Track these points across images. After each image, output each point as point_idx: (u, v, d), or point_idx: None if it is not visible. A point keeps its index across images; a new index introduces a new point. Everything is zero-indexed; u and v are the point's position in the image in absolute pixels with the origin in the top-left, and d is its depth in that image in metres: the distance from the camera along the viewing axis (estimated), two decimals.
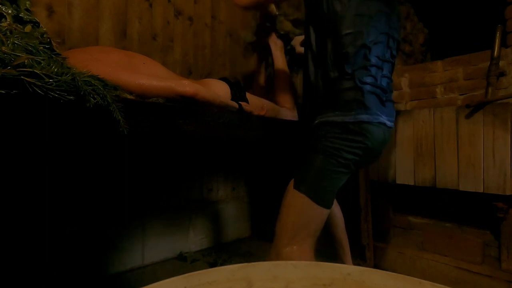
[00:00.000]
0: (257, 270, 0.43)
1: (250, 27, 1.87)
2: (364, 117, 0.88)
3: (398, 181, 1.55)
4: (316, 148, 0.91)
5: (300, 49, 1.51)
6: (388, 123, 0.94)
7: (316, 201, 0.88)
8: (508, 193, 1.23)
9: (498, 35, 1.40)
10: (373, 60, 0.90)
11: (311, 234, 0.90)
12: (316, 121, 0.95)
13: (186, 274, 0.39)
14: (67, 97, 0.58)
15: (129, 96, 0.84)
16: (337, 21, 0.89)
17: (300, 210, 0.89)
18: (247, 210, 1.99)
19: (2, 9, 0.77)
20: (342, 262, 1.22)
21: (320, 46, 0.95)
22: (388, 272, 0.41)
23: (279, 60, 1.56)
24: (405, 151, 1.52)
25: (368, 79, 0.89)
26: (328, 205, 0.91)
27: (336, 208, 1.23)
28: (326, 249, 1.14)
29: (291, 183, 0.94)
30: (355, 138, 0.88)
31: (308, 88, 1.00)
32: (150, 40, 1.48)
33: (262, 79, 1.73)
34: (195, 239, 1.68)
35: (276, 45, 1.57)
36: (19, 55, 0.54)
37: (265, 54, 1.72)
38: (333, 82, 0.91)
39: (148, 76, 0.93)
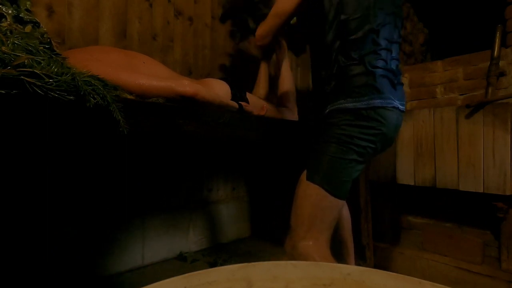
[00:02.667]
0: (257, 270, 0.43)
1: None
2: (377, 102, 0.85)
3: (398, 181, 1.55)
4: (329, 137, 0.89)
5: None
6: (401, 107, 0.92)
7: (331, 192, 0.86)
8: (508, 193, 1.23)
9: (498, 35, 1.40)
10: (383, 43, 0.87)
11: (327, 226, 0.88)
12: (327, 110, 0.92)
13: (186, 274, 0.39)
14: (67, 97, 0.58)
15: (129, 96, 0.84)
16: (341, 6, 0.87)
17: (315, 202, 0.87)
18: (247, 210, 1.98)
19: (2, 9, 0.77)
20: (345, 262, 1.22)
21: (324, 35, 0.92)
22: (388, 272, 0.41)
23: (283, 61, 1.56)
24: (405, 151, 1.52)
25: (379, 63, 0.87)
26: (343, 196, 0.89)
27: (344, 209, 1.21)
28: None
29: (303, 174, 0.91)
30: (369, 124, 0.86)
31: (316, 78, 0.99)
32: (150, 40, 1.48)
33: (264, 78, 1.73)
34: (195, 239, 1.68)
35: (281, 45, 1.57)
36: (19, 55, 0.54)
37: (266, 54, 1.72)
38: (341, 69, 0.88)
39: (148, 76, 0.93)
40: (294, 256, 0.87)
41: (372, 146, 0.88)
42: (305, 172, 0.92)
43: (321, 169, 0.88)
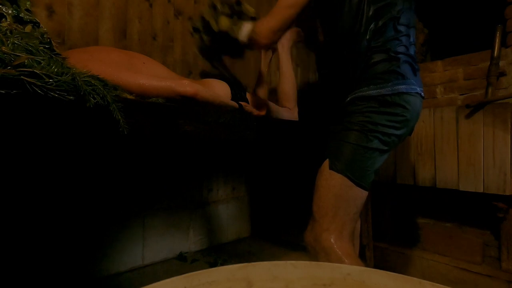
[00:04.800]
0: (257, 270, 0.43)
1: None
2: (402, 87, 0.84)
3: (398, 181, 1.55)
4: (351, 125, 0.86)
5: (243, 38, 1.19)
6: (422, 93, 0.91)
7: (355, 180, 0.83)
8: (508, 193, 1.23)
9: (498, 35, 1.40)
10: (403, 29, 0.87)
11: (351, 218, 0.85)
12: (348, 99, 0.90)
13: (186, 274, 0.39)
14: (67, 97, 0.58)
15: (129, 96, 0.84)
16: None
17: (338, 191, 0.84)
18: (247, 210, 1.99)
19: (2, 9, 0.77)
20: None
21: (342, 27, 0.90)
22: (388, 272, 0.41)
23: (285, 60, 1.57)
24: (405, 151, 1.52)
25: (401, 49, 0.86)
26: (367, 186, 0.86)
27: None
28: None
29: (325, 164, 0.88)
30: (394, 110, 0.84)
31: (332, 70, 0.96)
32: (150, 40, 1.48)
33: (262, 79, 1.73)
34: (195, 239, 1.68)
35: (283, 47, 1.58)
36: (19, 55, 0.54)
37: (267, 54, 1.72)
38: (363, 57, 0.87)
39: (148, 76, 0.93)
40: (316, 248, 0.84)
41: (396, 134, 0.86)
42: (325, 162, 0.88)
43: (344, 157, 0.85)
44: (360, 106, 0.86)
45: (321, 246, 0.82)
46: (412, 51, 0.89)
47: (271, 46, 1.13)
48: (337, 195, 0.84)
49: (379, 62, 0.85)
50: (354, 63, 0.88)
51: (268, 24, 0.98)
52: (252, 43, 1.05)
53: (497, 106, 1.27)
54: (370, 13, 0.85)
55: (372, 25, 0.85)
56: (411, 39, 0.90)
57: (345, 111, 0.91)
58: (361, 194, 0.86)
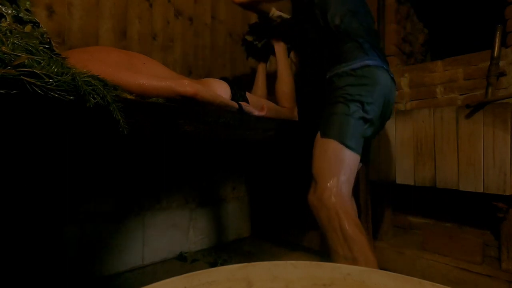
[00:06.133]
0: (257, 270, 0.43)
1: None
2: (368, 62, 0.99)
3: (398, 181, 1.55)
4: (334, 99, 1.01)
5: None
6: (391, 74, 1.05)
7: (345, 143, 0.95)
8: (508, 193, 1.23)
9: (498, 35, 1.39)
10: (362, 23, 1.05)
11: (347, 179, 0.95)
12: (327, 77, 1.07)
13: (186, 274, 0.39)
14: (67, 97, 0.58)
15: (129, 96, 0.84)
16: (327, 2, 1.06)
17: (331, 154, 0.96)
18: (247, 210, 1.99)
19: (2, 9, 0.77)
20: None
21: (316, 25, 1.09)
22: (388, 272, 0.41)
23: (282, 60, 1.56)
24: (405, 151, 1.52)
25: (367, 39, 1.03)
26: (357, 149, 0.97)
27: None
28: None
29: (318, 135, 1.02)
30: (364, 82, 0.98)
31: (313, 59, 1.16)
32: (150, 40, 1.48)
33: (262, 79, 1.73)
34: (195, 239, 1.68)
35: (279, 46, 1.58)
36: (19, 55, 0.54)
37: (266, 54, 1.72)
38: (335, 45, 1.05)
39: (148, 76, 0.93)
40: (317, 207, 0.94)
41: (371, 103, 0.99)
42: (318, 134, 1.02)
43: (333, 126, 0.98)
44: (337, 83, 1.03)
45: (323, 204, 0.92)
46: (376, 44, 1.07)
47: (247, 6, 1.40)
48: (331, 156, 0.96)
49: (347, 44, 1.03)
50: (329, 49, 1.07)
51: None
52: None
53: (497, 106, 1.27)
54: (332, 8, 1.05)
55: (335, 18, 1.04)
56: (375, 41, 1.07)
57: (327, 89, 1.06)
58: (353, 157, 0.97)
